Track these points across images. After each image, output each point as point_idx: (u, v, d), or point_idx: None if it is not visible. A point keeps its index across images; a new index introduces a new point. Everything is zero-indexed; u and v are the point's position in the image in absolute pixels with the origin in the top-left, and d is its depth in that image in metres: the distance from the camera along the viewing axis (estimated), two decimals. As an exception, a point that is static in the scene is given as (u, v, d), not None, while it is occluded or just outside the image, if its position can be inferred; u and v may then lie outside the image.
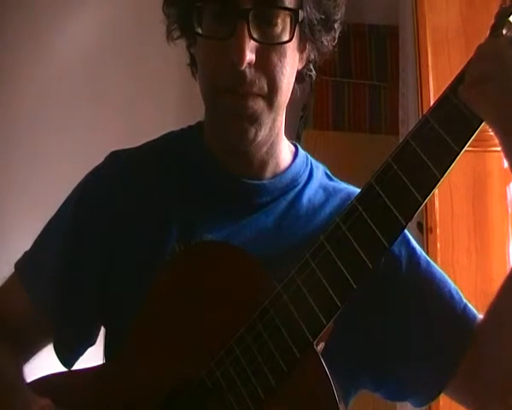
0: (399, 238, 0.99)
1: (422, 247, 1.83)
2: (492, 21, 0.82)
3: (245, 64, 0.89)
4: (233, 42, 0.89)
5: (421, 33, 1.98)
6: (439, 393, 0.98)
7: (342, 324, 0.87)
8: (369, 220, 0.80)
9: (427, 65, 1.95)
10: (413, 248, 1.02)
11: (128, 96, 2.58)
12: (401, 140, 0.82)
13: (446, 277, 1.02)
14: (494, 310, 0.94)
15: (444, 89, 0.82)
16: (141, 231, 1.01)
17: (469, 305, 0.99)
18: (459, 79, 0.81)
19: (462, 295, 1.00)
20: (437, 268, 1.02)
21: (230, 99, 0.92)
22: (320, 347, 0.83)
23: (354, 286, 0.79)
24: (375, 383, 1.02)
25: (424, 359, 0.97)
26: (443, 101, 0.81)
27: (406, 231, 1.01)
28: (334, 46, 1.01)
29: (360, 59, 2.58)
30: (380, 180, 0.80)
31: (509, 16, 0.79)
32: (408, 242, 1.02)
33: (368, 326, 0.98)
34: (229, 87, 0.92)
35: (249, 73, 0.91)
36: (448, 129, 0.79)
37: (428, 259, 1.03)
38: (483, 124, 0.80)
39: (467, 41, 1.89)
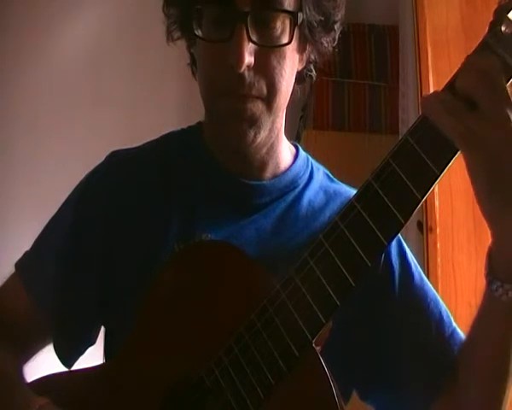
0: (397, 250, 0.99)
1: (422, 247, 1.84)
2: (491, 18, 0.81)
3: (243, 67, 0.89)
4: (232, 44, 0.89)
5: (421, 33, 1.98)
6: None
7: (340, 326, 0.87)
8: (367, 218, 0.79)
9: (427, 65, 1.95)
10: (408, 263, 1.01)
11: (128, 96, 2.58)
12: (400, 139, 0.82)
13: (439, 298, 1.01)
14: (471, 336, 0.92)
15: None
16: (141, 230, 1.01)
17: (458, 330, 0.99)
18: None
19: (452, 318, 1.00)
20: (430, 288, 1.01)
21: (229, 102, 0.92)
22: (319, 348, 0.83)
23: (353, 284, 0.79)
24: (363, 392, 1.02)
25: (409, 377, 0.97)
26: None
27: (404, 244, 1.02)
28: (334, 47, 1.01)
29: (360, 59, 2.58)
30: (378, 178, 0.79)
31: (508, 12, 0.79)
32: (404, 255, 1.02)
33: (358, 337, 0.97)
34: (228, 90, 0.92)
35: (248, 75, 0.90)
36: None
37: (423, 277, 1.02)
38: None
39: (467, 41, 1.89)
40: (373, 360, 0.98)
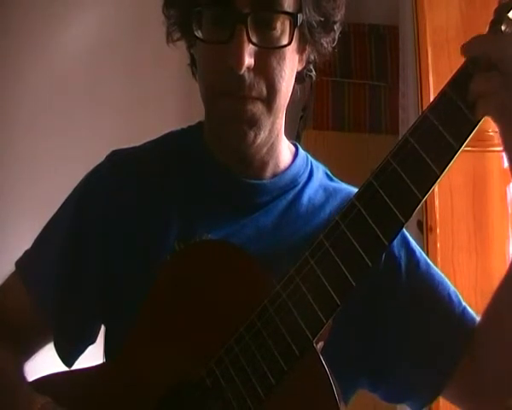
0: (399, 240, 1.00)
1: (422, 246, 1.84)
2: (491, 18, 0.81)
3: (244, 68, 0.89)
4: (232, 46, 0.89)
5: (421, 33, 1.98)
6: (437, 396, 0.98)
7: (342, 324, 0.87)
8: (367, 218, 0.79)
9: (428, 65, 1.95)
10: (412, 250, 1.02)
11: (128, 96, 2.58)
12: (401, 139, 0.82)
13: (445, 279, 1.01)
14: (491, 311, 0.94)
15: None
16: (141, 230, 1.01)
17: (468, 308, 0.99)
18: (458, 76, 0.81)
19: (461, 298, 1.00)
20: (436, 270, 1.02)
21: (229, 103, 0.92)
22: (319, 345, 0.84)
23: (353, 284, 0.79)
24: (373, 383, 1.02)
25: (422, 361, 0.98)
26: (442, 97, 0.80)
27: (406, 232, 1.02)
28: (333, 47, 1.01)
29: (360, 59, 2.58)
30: (378, 177, 0.79)
31: (509, 12, 0.79)
32: (408, 243, 1.02)
33: (367, 328, 0.98)
34: (228, 91, 0.92)
35: (248, 76, 0.90)
36: (447, 125, 0.78)
37: (428, 261, 1.03)
38: (482, 121, 0.80)
39: (467, 41, 1.89)
40: (381, 353, 0.98)
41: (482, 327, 0.96)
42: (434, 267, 1.03)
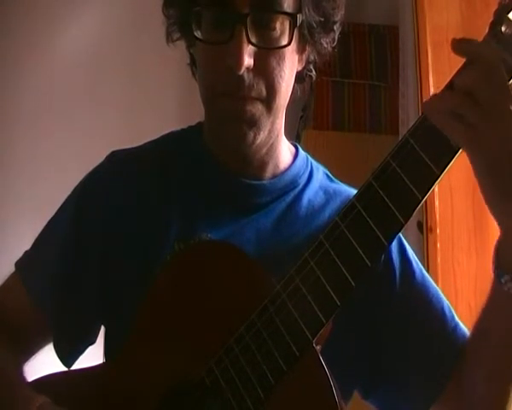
0: (396, 247, 1.00)
1: (422, 247, 1.84)
2: (491, 19, 0.81)
3: (243, 69, 0.89)
4: (231, 46, 0.89)
5: (421, 33, 1.98)
6: (429, 407, 0.97)
7: (342, 325, 0.87)
8: (367, 218, 0.79)
9: (428, 65, 1.95)
10: (409, 260, 1.02)
11: (128, 96, 2.58)
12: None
13: (440, 293, 1.01)
14: (478, 329, 0.93)
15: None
16: (141, 230, 1.01)
17: (461, 324, 0.99)
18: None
19: (454, 313, 1.00)
20: (432, 283, 1.02)
21: (229, 103, 0.92)
22: (318, 349, 0.83)
23: (353, 284, 0.79)
24: (365, 390, 1.02)
25: (411, 374, 0.97)
26: None
27: (404, 241, 1.02)
28: (333, 47, 1.01)
29: (360, 59, 2.57)
30: (378, 178, 0.80)
31: (508, 13, 0.79)
32: (404, 252, 1.02)
33: (366, 329, 0.98)
34: (227, 91, 0.92)
35: (247, 77, 0.91)
36: None
37: (424, 272, 1.02)
38: None
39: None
40: (375, 359, 0.98)
41: (470, 347, 0.94)
42: (430, 280, 1.02)
